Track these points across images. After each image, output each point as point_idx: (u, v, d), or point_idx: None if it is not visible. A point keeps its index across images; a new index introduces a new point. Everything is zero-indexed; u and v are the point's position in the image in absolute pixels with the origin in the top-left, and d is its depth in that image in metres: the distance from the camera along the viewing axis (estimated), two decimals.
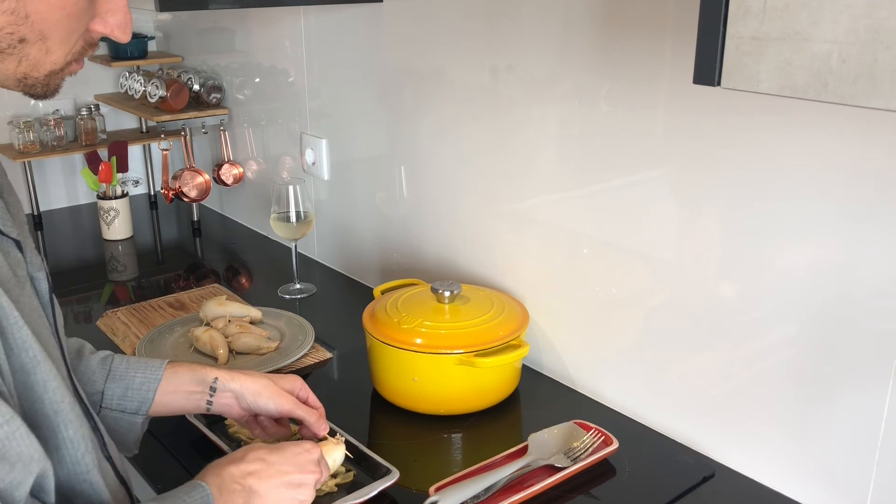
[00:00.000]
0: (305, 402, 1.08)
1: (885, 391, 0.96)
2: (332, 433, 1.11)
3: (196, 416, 1.19)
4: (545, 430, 1.17)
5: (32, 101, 2.23)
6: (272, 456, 0.90)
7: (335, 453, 1.07)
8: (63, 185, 2.37)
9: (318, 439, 1.06)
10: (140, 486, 1.14)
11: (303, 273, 1.80)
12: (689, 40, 1.06)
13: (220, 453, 1.13)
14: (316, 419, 1.06)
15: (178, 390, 1.03)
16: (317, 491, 1.04)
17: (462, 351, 1.21)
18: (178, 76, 2.13)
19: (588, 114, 1.24)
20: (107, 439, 0.90)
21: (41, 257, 0.87)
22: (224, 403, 1.04)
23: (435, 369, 1.23)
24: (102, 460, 0.85)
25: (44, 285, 0.85)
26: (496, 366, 1.23)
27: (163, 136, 2.18)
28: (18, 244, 0.82)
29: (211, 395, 1.03)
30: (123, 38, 0.78)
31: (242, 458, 0.88)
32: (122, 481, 0.90)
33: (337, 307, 1.74)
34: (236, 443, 1.16)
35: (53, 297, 0.88)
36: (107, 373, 1.01)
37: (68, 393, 0.79)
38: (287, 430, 1.09)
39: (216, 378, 1.03)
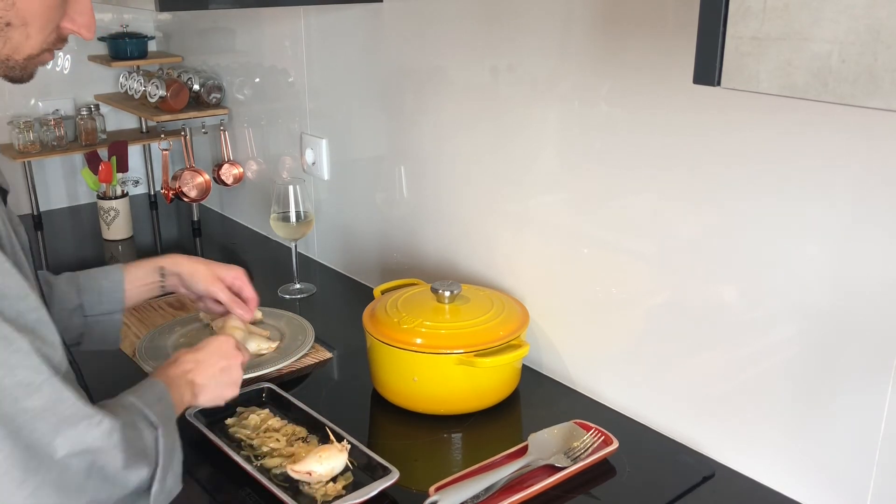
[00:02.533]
0: (239, 293, 1.29)
1: (885, 391, 0.96)
2: (339, 438, 1.12)
3: (196, 416, 1.19)
4: (545, 430, 1.17)
5: (32, 101, 2.25)
6: (199, 355, 1.09)
7: (337, 459, 1.07)
8: (63, 185, 2.37)
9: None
10: None
11: (303, 273, 1.80)
12: (689, 40, 1.06)
13: (221, 453, 1.13)
14: (236, 305, 1.28)
15: (139, 284, 1.24)
16: (319, 492, 1.04)
17: (462, 351, 1.21)
18: (178, 76, 2.13)
19: (588, 114, 1.24)
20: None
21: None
22: (172, 284, 1.27)
23: (435, 369, 1.23)
24: (71, 365, 0.97)
25: (24, 237, 0.98)
26: (496, 366, 1.23)
27: (163, 136, 2.18)
28: (4, 196, 0.94)
29: (163, 280, 1.26)
30: (89, 36, 0.91)
31: (176, 361, 1.08)
32: (86, 388, 1.00)
33: (337, 307, 1.74)
34: (236, 442, 1.16)
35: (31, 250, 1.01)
36: (77, 288, 1.19)
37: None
38: (224, 311, 1.30)
39: (162, 266, 1.26)
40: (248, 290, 1.31)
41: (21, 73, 0.88)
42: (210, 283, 1.27)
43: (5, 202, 0.95)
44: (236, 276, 1.29)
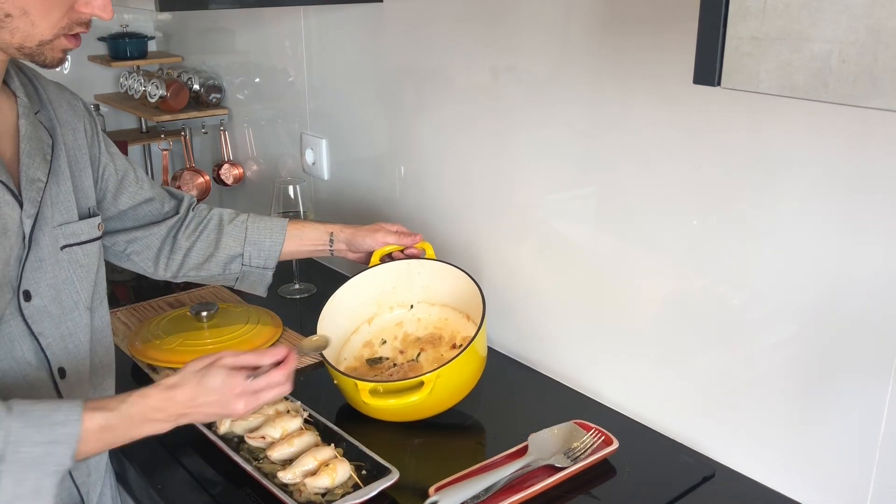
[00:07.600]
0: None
1: (885, 391, 0.96)
2: (331, 441, 1.11)
3: None
4: (545, 430, 1.17)
5: None
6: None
7: (342, 469, 1.06)
8: None
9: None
10: (139, 485, 1.14)
11: (303, 273, 1.80)
12: (690, 40, 1.06)
13: (220, 453, 1.13)
14: (402, 238, 1.35)
15: (305, 245, 1.33)
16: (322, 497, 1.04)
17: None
18: (178, 76, 2.13)
19: (588, 114, 1.24)
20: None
21: None
22: (339, 249, 1.35)
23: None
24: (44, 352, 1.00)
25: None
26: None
27: (163, 136, 2.18)
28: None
29: (331, 245, 1.34)
30: (106, 16, 0.91)
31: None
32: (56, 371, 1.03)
33: None
34: (236, 442, 1.16)
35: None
36: (244, 238, 1.30)
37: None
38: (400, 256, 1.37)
39: (332, 232, 1.34)
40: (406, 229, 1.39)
41: (44, 59, 0.90)
42: (375, 234, 1.34)
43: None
44: (397, 228, 1.37)
